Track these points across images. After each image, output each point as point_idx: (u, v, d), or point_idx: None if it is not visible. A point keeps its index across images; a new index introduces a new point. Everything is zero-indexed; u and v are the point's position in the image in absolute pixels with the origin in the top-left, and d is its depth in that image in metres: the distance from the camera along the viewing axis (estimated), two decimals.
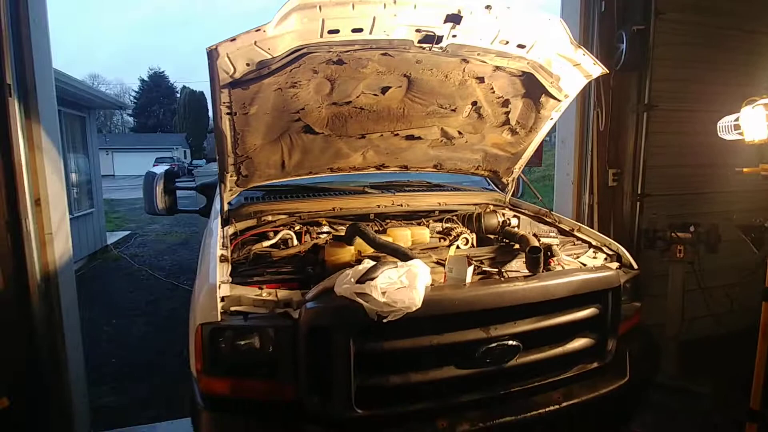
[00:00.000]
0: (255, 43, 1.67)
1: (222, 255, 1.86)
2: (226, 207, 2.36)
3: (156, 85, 47.08)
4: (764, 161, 1.95)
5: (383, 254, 1.81)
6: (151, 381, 3.57)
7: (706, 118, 3.27)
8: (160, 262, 7.44)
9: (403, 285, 1.42)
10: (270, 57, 1.75)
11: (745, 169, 1.98)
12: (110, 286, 6.05)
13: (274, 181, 2.50)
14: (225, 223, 2.27)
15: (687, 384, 3.02)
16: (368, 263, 1.61)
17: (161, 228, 10.74)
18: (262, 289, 1.64)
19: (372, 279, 1.43)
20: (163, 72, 48.10)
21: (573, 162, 3.37)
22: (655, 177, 3.41)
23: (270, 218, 2.36)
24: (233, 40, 1.64)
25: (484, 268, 1.80)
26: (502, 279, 1.74)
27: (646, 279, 3.45)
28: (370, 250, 1.85)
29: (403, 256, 1.69)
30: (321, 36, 1.75)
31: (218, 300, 1.53)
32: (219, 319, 1.49)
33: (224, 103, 1.88)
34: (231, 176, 2.29)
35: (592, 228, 3.32)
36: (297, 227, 2.28)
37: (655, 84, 3.29)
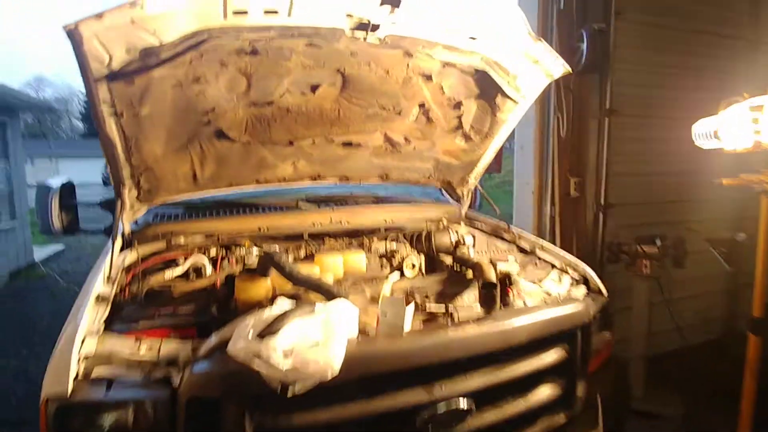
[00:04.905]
0: (132, 22, 1.30)
1: (100, 294, 1.46)
2: (127, 228, 1.96)
3: None
4: (742, 171, 1.71)
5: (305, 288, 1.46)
6: None
7: (669, 125, 3.13)
8: None
9: (316, 342, 1.07)
10: (158, 43, 1.38)
11: (724, 181, 1.74)
12: (30, 309, 5.38)
13: (189, 196, 2.11)
14: (126, 246, 1.88)
15: (656, 407, 2.80)
16: (282, 303, 1.26)
17: (100, 241, 9.91)
18: (139, 341, 1.26)
19: (274, 334, 1.07)
20: None
21: (533, 170, 3.12)
22: (619, 186, 3.20)
23: (183, 240, 1.96)
24: (99, 17, 1.26)
25: (428, 306, 1.46)
26: (450, 324, 1.40)
27: (609, 294, 3.26)
28: (289, 284, 1.49)
29: (327, 293, 1.34)
30: (225, 17, 1.41)
31: (72, 363, 1.14)
32: (68, 393, 1.09)
33: (104, 101, 1.48)
34: (130, 191, 1.88)
35: (554, 241, 3.08)
36: (213, 252, 1.89)
37: (616, 88, 3.09)
